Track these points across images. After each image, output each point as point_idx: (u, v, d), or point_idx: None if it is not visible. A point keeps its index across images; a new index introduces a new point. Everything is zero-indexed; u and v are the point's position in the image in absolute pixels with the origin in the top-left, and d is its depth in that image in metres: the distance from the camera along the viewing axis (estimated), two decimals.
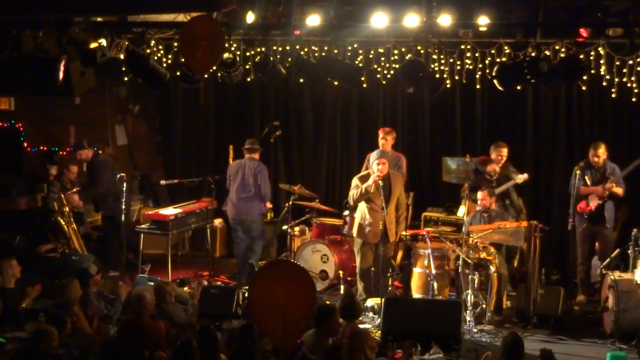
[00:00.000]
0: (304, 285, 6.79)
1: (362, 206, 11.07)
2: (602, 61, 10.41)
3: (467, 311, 10.15)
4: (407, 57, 10.95)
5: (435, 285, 10.41)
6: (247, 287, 10.57)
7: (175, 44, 11.46)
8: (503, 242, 10.80)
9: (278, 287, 6.62)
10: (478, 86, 11.52)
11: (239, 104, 14.62)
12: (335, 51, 11.12)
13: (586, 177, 11.12)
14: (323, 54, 11.26)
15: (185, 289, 10.81)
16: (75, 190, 12.78)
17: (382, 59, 11.48)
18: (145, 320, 8.09)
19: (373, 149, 11.63)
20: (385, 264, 10.76)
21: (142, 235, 12.02)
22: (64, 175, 13.32)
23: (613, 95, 10.74)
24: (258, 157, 12.41)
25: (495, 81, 10.31)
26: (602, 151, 11.18)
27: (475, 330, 10.06)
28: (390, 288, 11.39)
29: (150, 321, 8.15)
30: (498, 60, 10.63)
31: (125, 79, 12.01)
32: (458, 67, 11.14)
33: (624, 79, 10.41)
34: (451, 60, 11.13)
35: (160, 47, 11.54)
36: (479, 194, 11.08)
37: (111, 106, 14.75)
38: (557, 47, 10.27)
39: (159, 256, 12.49)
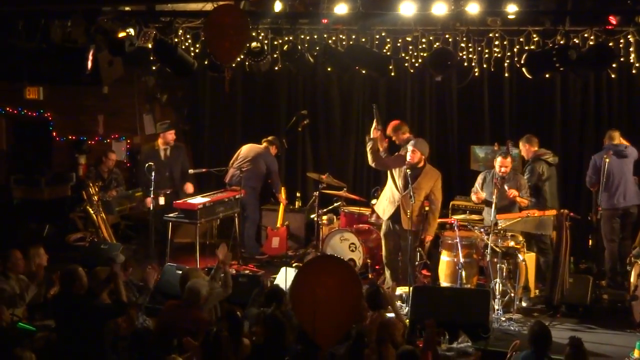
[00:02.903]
0: (350, 282, 6.68)
1: (390, 185, 11.02)
2: (631, 49, 10.31)
3: (496, 300, 10.14)
4: (435, 46, 10.91)
5: (464, 273, 10.39)
6: (274, 277, 10.74)
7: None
8: (530, 231, 10.76)
9: (324, 283, 6.50)
10: (506, 74, 11.43)
11: (266, 93, 14.66)
12: (363, 40, 11.08)
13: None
14: (351, 42, 11.24)
15: None
16: (115, 191, 13.03)
17: (410, 47, 11.43)
18: (192, 311, 8.03)
19: None
20: (413, 253, 10.73)
21: (170, 224, 12.07)
22: (102, 164, 13.41)
23: None
24: (274, 153, 12.87)
25: (523, 69, 10.28)
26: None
27: (503, 318, 10.03)
28: (418, 276, 11.37)
29: (197, 312, 8.08)
30: (527, 48, 10.57)
31: (153, 68, 12.10)
32: (486, 56, 11.07)
33: None
34: (479, 49, 11.06)
35: (188, 36, 11.56)
36: (499, 160, 10.97)
37: (139, 95, 14.78)
38: (586, 35, 10.20)
39: (187, 245, 12.55)
